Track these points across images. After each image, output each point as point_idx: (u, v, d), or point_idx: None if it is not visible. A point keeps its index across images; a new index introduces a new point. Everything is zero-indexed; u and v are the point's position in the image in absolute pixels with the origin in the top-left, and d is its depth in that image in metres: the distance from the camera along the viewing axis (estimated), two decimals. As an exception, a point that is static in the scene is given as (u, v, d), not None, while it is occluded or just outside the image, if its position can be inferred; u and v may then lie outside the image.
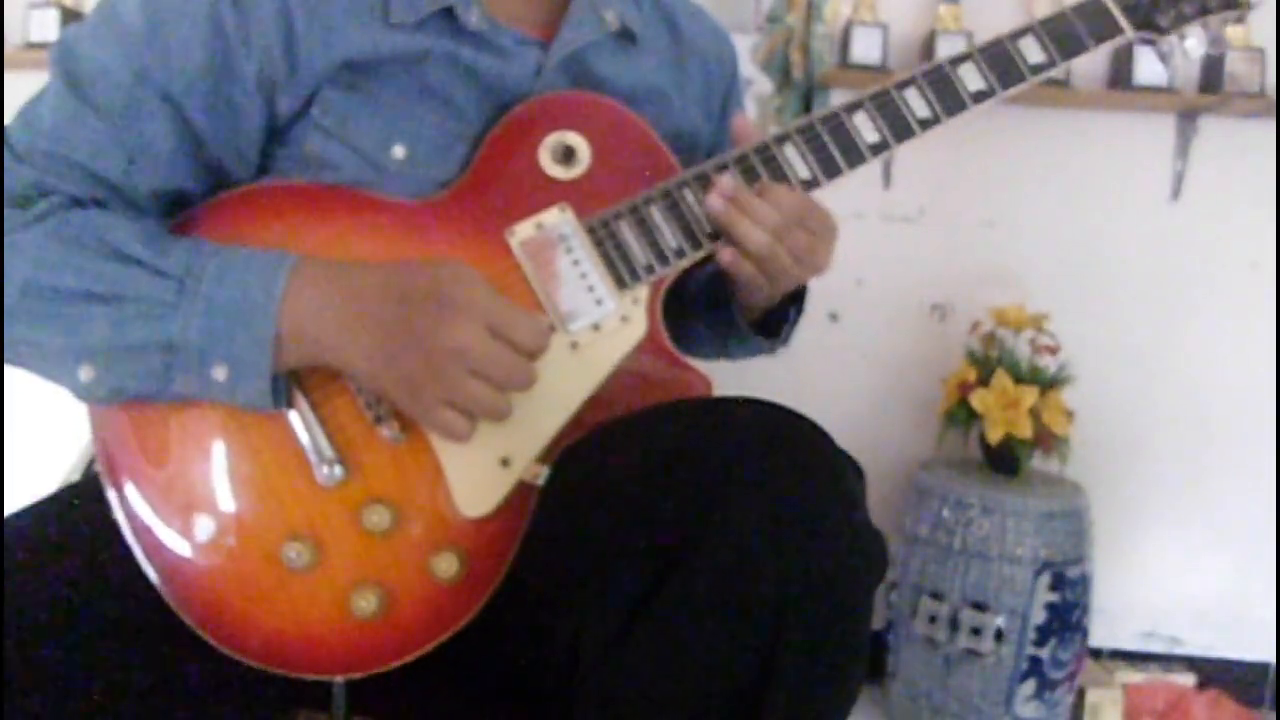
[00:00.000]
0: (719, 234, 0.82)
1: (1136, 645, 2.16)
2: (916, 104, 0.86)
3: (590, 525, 0.70)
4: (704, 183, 0.83)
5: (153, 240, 0.72)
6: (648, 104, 0.89)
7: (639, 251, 0.81)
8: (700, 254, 0.83)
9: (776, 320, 0.96)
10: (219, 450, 0.74)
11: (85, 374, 0.70)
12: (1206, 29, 0.91)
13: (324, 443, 0.74)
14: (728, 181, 0.82)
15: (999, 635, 1.79)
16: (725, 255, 0.82)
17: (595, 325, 0.79)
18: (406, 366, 0.69)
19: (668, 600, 0.65)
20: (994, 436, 1.86)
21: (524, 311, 0.72)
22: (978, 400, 1.86)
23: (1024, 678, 1.80)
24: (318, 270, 0.72)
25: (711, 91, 0.98)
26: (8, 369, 0.75)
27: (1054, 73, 0.89)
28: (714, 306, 0.96)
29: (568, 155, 0.82)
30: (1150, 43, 0.91)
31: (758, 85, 2.05)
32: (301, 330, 0.70)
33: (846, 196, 2.06)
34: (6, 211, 0.72)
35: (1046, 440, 1.87)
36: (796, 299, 0.96)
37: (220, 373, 0.70)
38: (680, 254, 0.82)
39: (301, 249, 0.73)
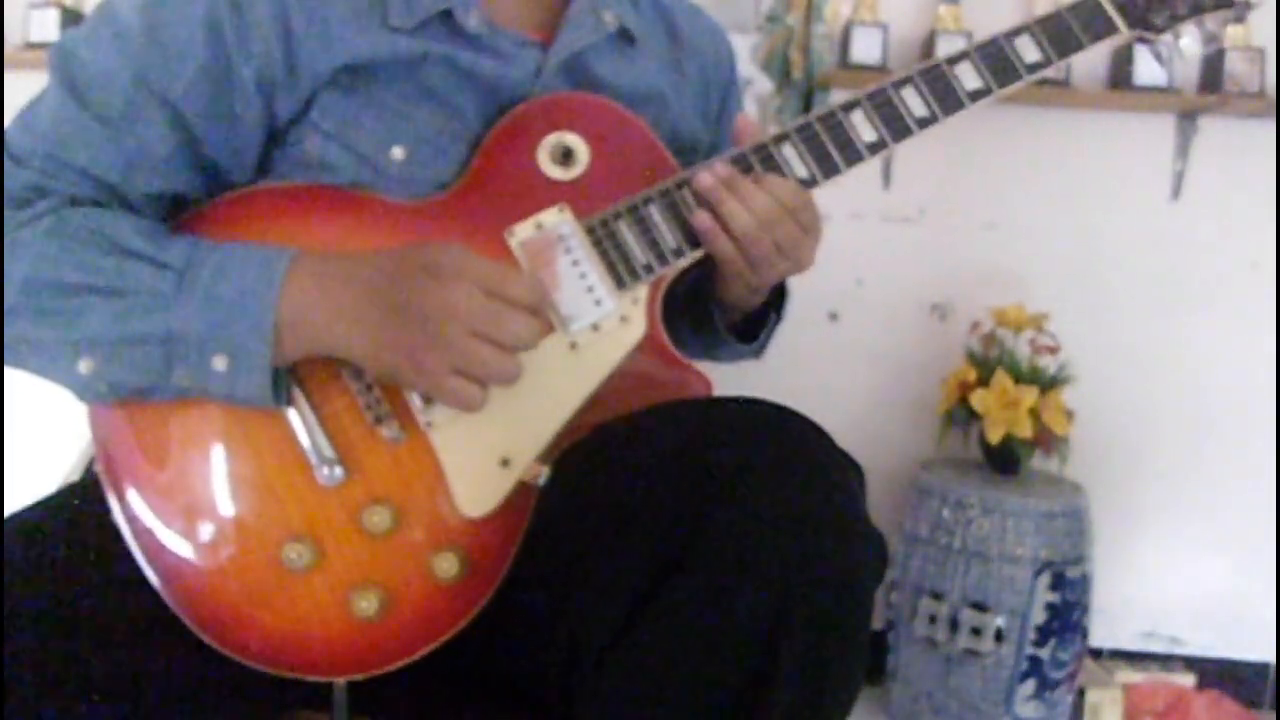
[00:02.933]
0: None
1: (1136, 645, 2.15)
2: (914, 103, 0.86)
3: (590, 525, 0.71)
4: (703, 183, 0.83)
5: (152, 235, 0.72)
6: (646, 105, 0.89)
7: (638, 251, 0.81)
8: (699, 254, 0.83)
9: (756, 326, 0.97)
10: (219, 451, 0.74)
11: (85, 367, 0.70)
12: (1201, 28, 0.91)
13: (324, 443, 0.74)
14: (722, 167, 0.82)
15: (999, 635, 1.79)
16: (703, 220, 0.82)
17: (594, 325, 0.79)
18: (408, 340, 0.69)
19: (668, 600, 0.65)
20: (994, 436, 1.86)
21: (514, 269, 0.72)
22: (978, 400, 1.86)
23: (1024, 678, 1.80)
24: (316, 262, 0.72)
25: (709, 92, 0.98)
26: (7, 370, 0.75)
27: (1053, 72, 0.89)
28: (697, 307, 0.96)
29: (566, 156, 0.82)
30: (1146, 42, 0.91)
31: (758, 85, 2.05)
32: (301, 320, 0.70)
33: (846, 196, 2.07)
34: (6, 212, 0.72)
35: (1046, 440, 1.87)
36: (777, 305, 0.96)
37: (220, 363, 0.70)
38: (679, 253, 0.82)
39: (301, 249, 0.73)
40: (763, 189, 0.81)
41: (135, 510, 0.73)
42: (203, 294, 0.70)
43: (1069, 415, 1.88)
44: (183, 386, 0.71)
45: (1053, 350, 1.92)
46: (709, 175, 0.82)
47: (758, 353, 1.00)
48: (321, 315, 0.70)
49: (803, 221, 0.84)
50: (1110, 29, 0.89)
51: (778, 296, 0.96)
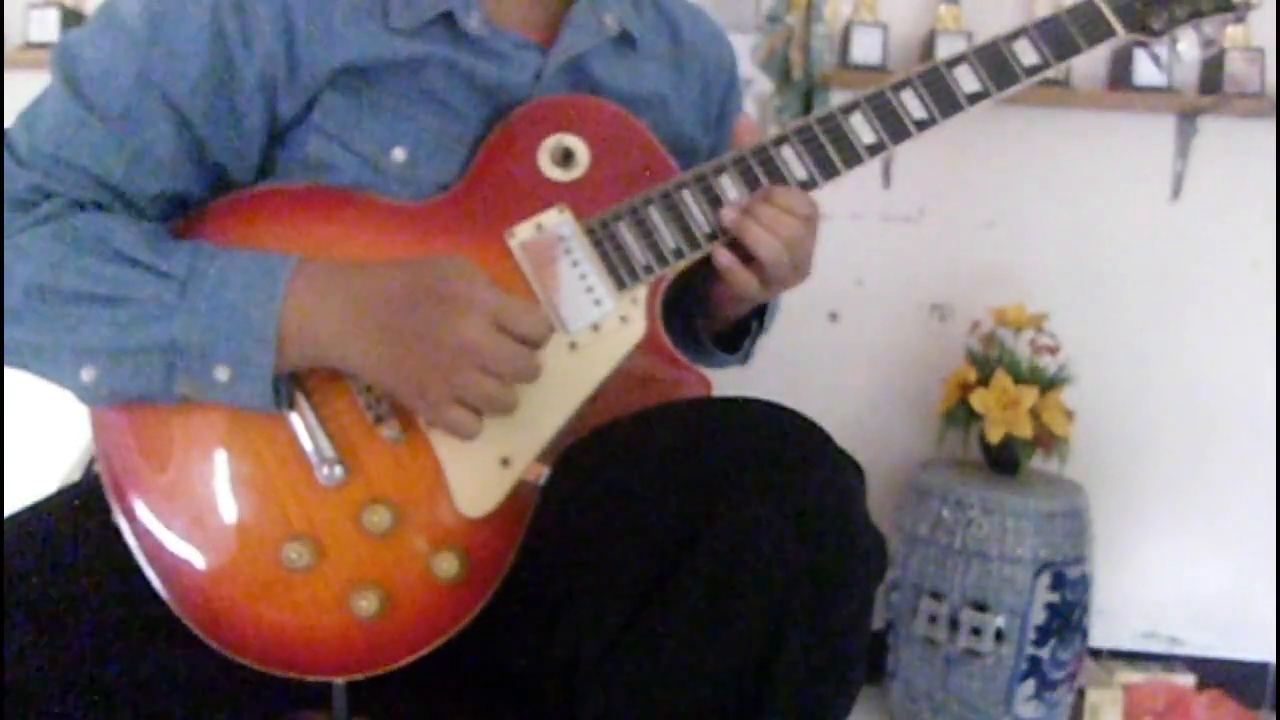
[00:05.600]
0: (717, 234, 0.83)
1: (1136, 645, 2.15)
2: (912, 105, 0.86)
3: (590, 525, 0.71)
4: (702, 184, 0.83)
5: (155, 242, 0.72)
6: (647, 108, 0.89)
7: (638, 252, 0.81)
8: (699, 254, 0.83)
9: (739, 335, 0.97)
10: (220, 452, 0.74)
11: (87, 375, 0.71)
12: (1199, 31, 0.91)
13: (325, 443, 0.74)
14: (735, 195, 0.82)
15: (999, 635, 1.79)
16: (722, 259, 0.82)
17: (594, 326, 0.80)
18: (414, 366, 0.69)
19: (667, 600, 0.65)
20: (994, 436, 1.86)
21: (526, 304, 0.72)
22: (978, 400, 1.86)
23: (1024, 678, 1.81)
24: (320, 271, 0.72)
25: (710, 95, 0.99)
26: (8, 369, 0.75)
27: (1052, 73, 0.89)
28: (679, 318, 0.96)
29: (566, 157, 0.82)
30: (1143, 45, 0.91)
31: (758, 85, 2.05)
32: (304, 331, 0.70)
33: (846, 196, 2.07)
34: (8, 214, 0.72)
35: (1046, 440, 1.87)
36: (759, 313, 0.96)
37: (222, 373, 0.70)
38: (679, 254, 0.82)
39: (303, 251, 0.73)
40: (782, 210, 0.82)
41: (135, 510, 0.73)
42: (205, 304, 0.70)
43: (1069, 415, 1.88)
44: (185, 394, 0.71)
45: (1053, 350, 1.92)
46: (730, 210, 0.82)
47: (744, 360, 1.00)
48: (325, 329, 0.70)
49: (814, 229, 0.84)
50: (1108, 32, 0.89)
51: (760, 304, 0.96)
